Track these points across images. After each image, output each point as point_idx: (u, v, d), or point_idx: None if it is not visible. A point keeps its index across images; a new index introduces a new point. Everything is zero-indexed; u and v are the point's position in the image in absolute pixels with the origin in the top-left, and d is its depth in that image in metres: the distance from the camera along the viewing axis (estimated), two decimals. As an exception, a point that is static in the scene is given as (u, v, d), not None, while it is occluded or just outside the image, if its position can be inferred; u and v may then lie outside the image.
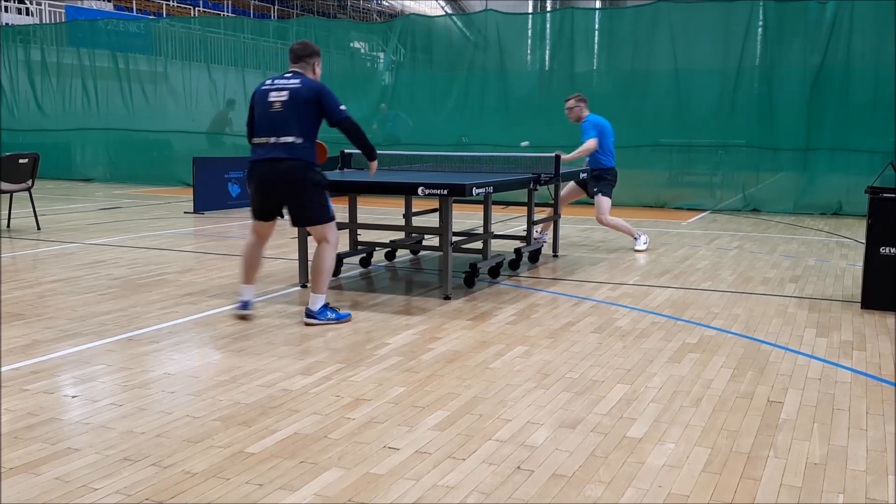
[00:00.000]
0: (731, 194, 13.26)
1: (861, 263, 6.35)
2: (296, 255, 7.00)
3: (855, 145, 12.34)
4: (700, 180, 13.79)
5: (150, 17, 25.51)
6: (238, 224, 10.69)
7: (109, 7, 26.98)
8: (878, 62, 12.14)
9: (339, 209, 11.65)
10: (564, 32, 14.17)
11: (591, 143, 8.33)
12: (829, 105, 12.53)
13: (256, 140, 5.38)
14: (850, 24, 12.34)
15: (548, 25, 14.62)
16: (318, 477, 3.04)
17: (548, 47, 14.60)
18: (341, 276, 7.10)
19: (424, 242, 7.94)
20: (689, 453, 3.31)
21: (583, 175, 8.49)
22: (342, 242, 8.19)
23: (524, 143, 10.22)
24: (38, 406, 3.78)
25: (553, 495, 2.92)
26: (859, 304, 5.99)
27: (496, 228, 8.17)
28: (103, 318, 5.48)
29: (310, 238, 6.04)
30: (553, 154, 7.72)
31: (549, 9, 32.12)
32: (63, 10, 23.90)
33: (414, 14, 18.88)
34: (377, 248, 7.74)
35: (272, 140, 5.26)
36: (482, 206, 7.06)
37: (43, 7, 24.21)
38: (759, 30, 12.96)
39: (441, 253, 6.30)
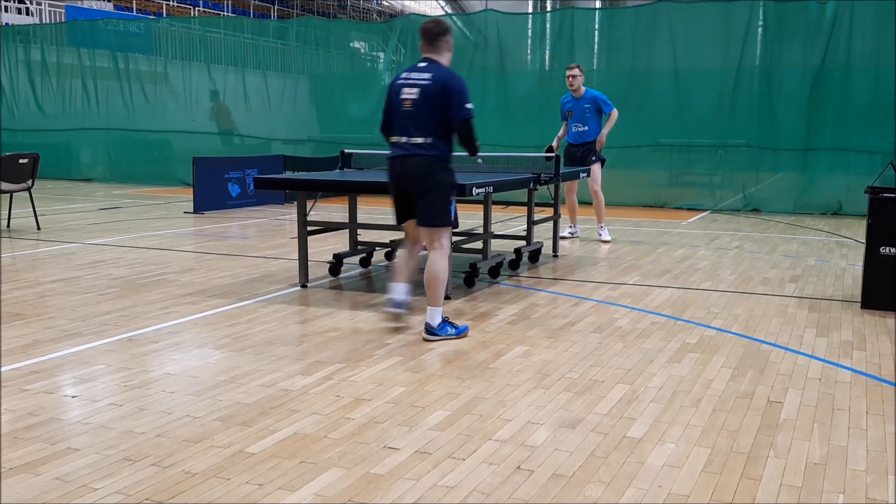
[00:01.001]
0: (731, 194, 13.26)
1: (861, 263, 6.35)
2: (296, 255, 7.00)
3: (855, 145, 12.34)
4: (700, 180, 13.79)
5: (150, 17, 25.50)
6: (238, 224, 10.69)
7: (109, 7, 26.97)
8: (878, 62, 12.14)
9: (340, 209, 11.63)
10: (564, 32, 14.17)
11: (616, 113, 8.91)
12: (829, 105, 12.53)
13: (393, 138, 5.22)
14: (850, 24, 12.34)
15: (548, 25, 14.62)
16: (318, 477, 3.04)
17: (548, 47, 14.60)
18: (341, 276, 7.10)
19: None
20: (689, 453, 3.31)
21: (584, 175, 8.54)
22: (342, 242, 8.21)
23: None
24: (38, 406, 3.78)
25: (553, 495, 2.92)
26: (859, 304, 5.99)
27: (496, 228, 8.16)
28: (103, 318, 5.48)
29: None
30: (545, 154, 7.81)
31: (549, 9, 32.09)
32: (63, 10, 23.89)
33: (414, 14, 18.90)
34: (377, 248, 7.74)
35: (404, 139, 5.12)
36: (482, 206, 7.06)
37: (43, 7, 24.20)
38: (759, 30, 12.95)
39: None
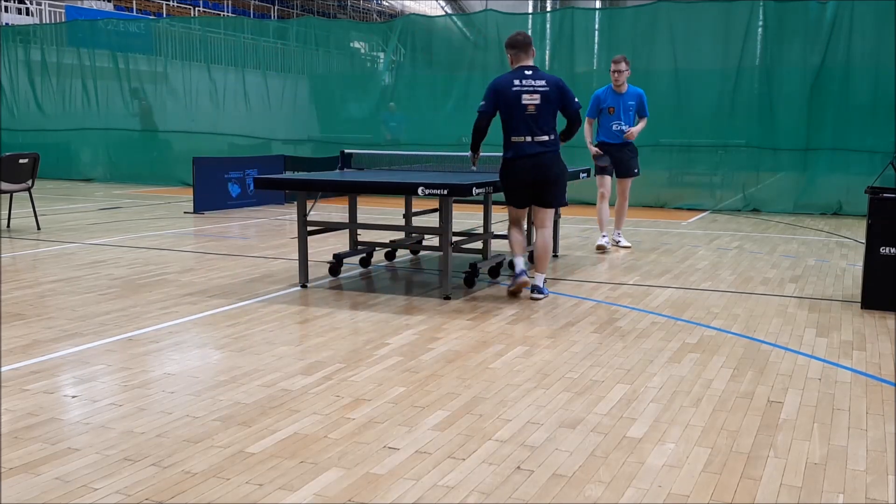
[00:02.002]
0: (731, 194, 13.26)
1: (861, 263, 6.35)
2: (296, 256, 7.00)
3: (855, 145, 12.33)
4: (700, 180, 13.79)
5: (150, 17, 25.51)
6: (238, 224, 10.69)
7: (109, 7, 26.97)
8: (878, 62, 12.13)
9: (340, 209, 11.63)
10: (564, 32, 14.17)
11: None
12: (829, 105, 12.53)
13: (515, 138, 6.06)
14: (850, 24, 12.33)
15: (548, 25, 14.61)
16: (318, 477, 3.05)
17: (548, 47, 14.58)
18: (341, 276, 7.10)
19: (424, 242, 7.94)
20: (689, 453, 3.31)
21: (583, 175, 8.44)
22: (342, 242, 8.21)
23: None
24: (38, 406, 3.78)
25: (553, 495, 2.92)
26: (859, 304, 5.99)
27: (496, 228, 8.16)
28: (103, 318, 5.48)
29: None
30: (596, 155, 7.91)
31: (549, 9, 32.10)
32: (63, 10, 23.90)
33: (414, 14, 18.88)
34: (377, 248, 7.74)
35: (529, 139, 6.02)
36: (482, 206, 7.06)
37: (43, 7, 24.21)
38: (759, 30, 12.95)
39: (441, 253, 6.30)
